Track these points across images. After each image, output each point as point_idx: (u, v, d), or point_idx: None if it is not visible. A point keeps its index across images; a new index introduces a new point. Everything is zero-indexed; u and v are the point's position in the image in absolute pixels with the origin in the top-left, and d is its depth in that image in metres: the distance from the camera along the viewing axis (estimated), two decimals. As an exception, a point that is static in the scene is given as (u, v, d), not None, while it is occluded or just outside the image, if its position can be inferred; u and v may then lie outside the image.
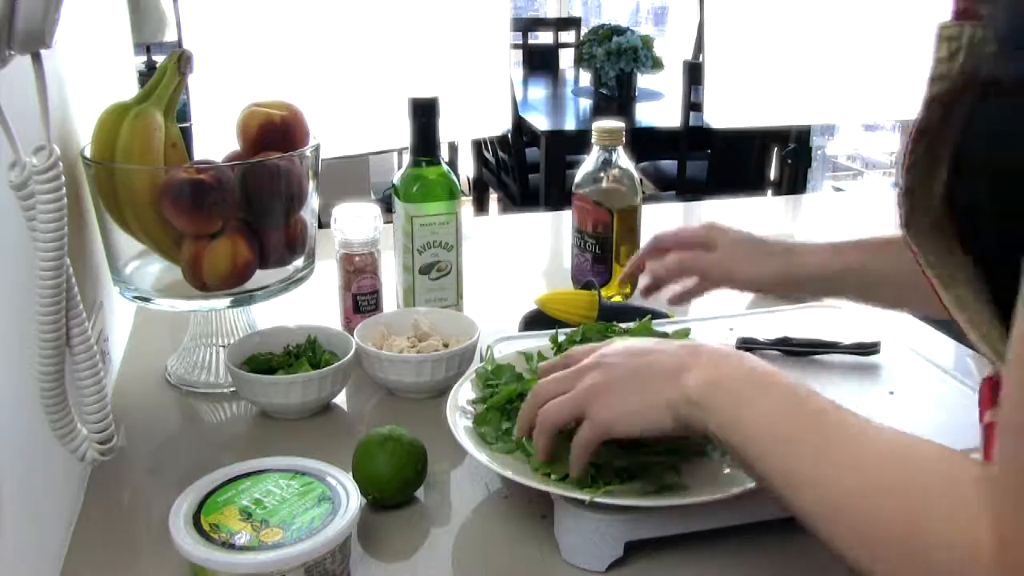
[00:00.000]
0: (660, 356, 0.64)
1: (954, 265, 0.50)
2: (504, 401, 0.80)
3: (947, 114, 0.48)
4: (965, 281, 0.50)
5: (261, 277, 0.94)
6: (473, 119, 1.57)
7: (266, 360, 0.94)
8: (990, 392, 0.53)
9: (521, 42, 4.29)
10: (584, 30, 4.10)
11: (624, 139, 1.14)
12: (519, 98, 3.66)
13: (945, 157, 0.50)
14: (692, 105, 3.04)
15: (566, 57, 4.38)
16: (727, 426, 0.58)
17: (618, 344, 0.69)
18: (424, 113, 1.02)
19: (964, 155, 0.48)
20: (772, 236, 0.92)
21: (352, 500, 0.68)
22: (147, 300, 0.93)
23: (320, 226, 1.02)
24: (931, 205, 0.51)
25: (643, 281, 1.06)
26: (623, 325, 0.89)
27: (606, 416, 0.64)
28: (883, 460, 0.50)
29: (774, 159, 3.28)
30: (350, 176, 3.39)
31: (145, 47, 2.73)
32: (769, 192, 3.30)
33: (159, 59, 1.46)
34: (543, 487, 0.70)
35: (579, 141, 2.92)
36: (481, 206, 4.05)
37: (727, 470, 0.73)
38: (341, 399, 0.96)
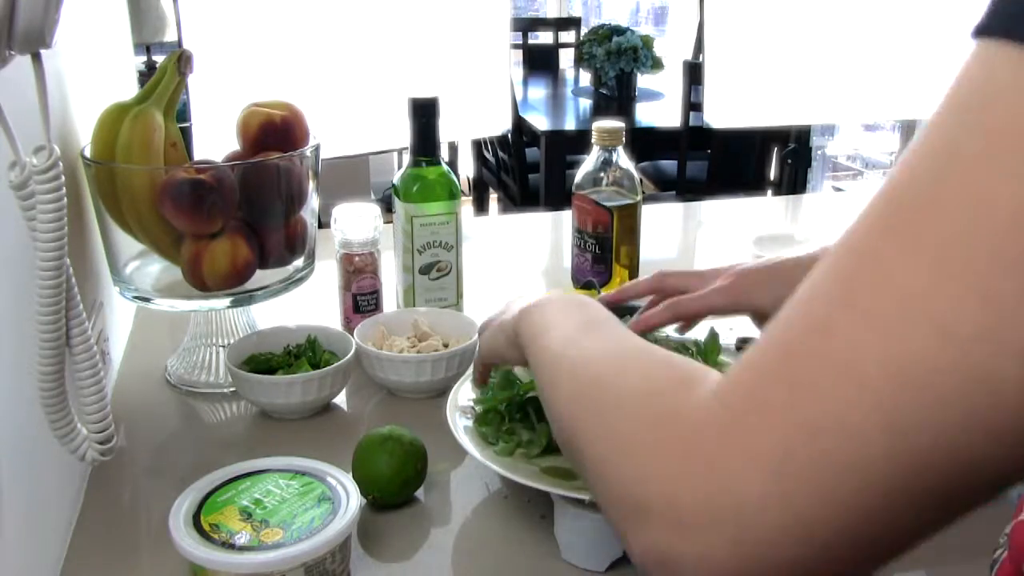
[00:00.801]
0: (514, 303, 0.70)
1: None
2: (498, 404, 0.80)
3: None
4: None
5: (261, 277, 0.94)
6: (473, 119, 1.57)
7: (266, 360, 0.94)
8: None
9: (521, 42, 4.29)
10: (584, 30, 4.10)
11: (624, 139, 1.14)
12: (519, 98, 3.66)
13: None
14: (692, 105, 3.04)
15: (566, 57, 4.38)
16: (527, 345, 0.62)
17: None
18: (424, 113, 1.02)
19: None
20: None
21: (352, 500, 0.68)
22: (147, 300, 0.93)
23: (320, 226, 1.02)
24: None
25: None
26: None
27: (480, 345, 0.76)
28: (628, 352, 0.50)
29: (774, 159, 3.28)
30: (350, 176, 3.39)
31: (145, 47, 2.73)
32: (769, 192, 3.30)
33: (159, 59, 1.46)
34: (543, 487, 0.70)
35: (579, 141, 2.92)
36: (481, 206, 4.05)
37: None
38: (341, 399, 0.96)
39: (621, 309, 1.04)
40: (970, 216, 0.30)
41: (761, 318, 0.84)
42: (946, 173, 0.32)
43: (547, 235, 1.58)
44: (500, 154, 3.55)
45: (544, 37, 4.44)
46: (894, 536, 0.34)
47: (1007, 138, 0.30)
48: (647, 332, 0.84)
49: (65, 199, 0.58)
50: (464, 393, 0.84)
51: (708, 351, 0.84)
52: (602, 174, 1.15)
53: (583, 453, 0.46)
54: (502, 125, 1.62)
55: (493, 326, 0.73)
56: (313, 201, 0.98)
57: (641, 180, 1.21)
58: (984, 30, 0.32)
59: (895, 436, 0.32)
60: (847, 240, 0.35)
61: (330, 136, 1.08)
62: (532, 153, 3.41)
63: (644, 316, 0.84)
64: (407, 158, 1.05)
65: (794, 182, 2.51)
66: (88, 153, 0.89)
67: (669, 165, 3.44)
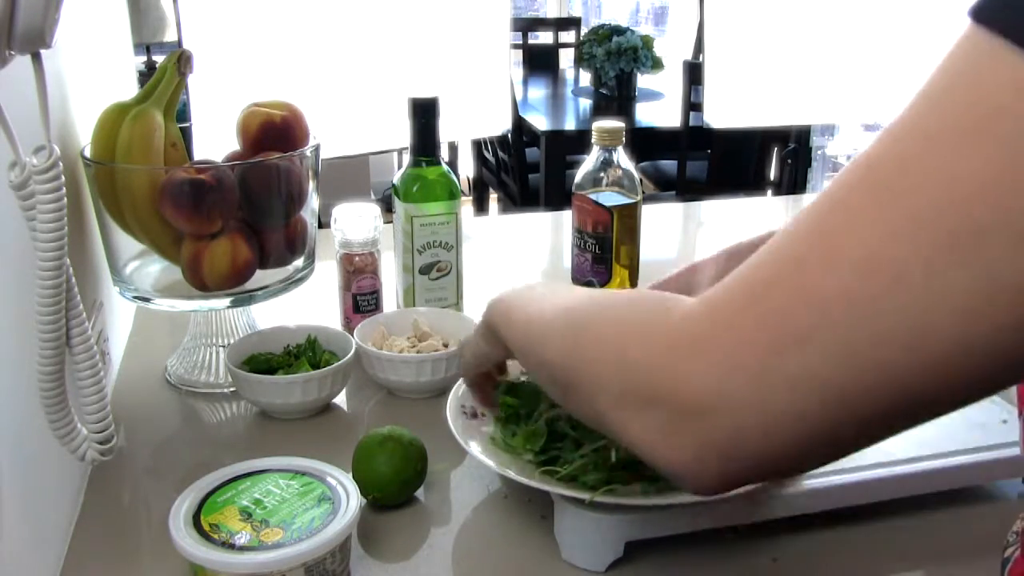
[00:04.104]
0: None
1: None
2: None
3: None
4: None
5: (261, 277, 0.94)
6: (473, 119, 1.57)
7: (266, 360, 0.94)
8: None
9: (521, 42, 4.29)
10: (584, 30, 4.10)
11: (624, 139, 1.14)
12: (519, 98, 3.66)
13: None
14: (692, 105, 3.05)
15: (566, 57, 4.38)
16: (502, 328, 0.65)
17: None
18: (424, 113, 1.02)
19: None
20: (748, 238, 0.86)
21: (352, 500, 0.68)
22: (147, 300, 0.93)
23: (320, 226, 1.02)
24: None
25: None
26: None
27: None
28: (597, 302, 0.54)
29: (774, 159, 3.28)
30: (350, 176, 3.39)
31: (145, 47, 2.73)
32: (769, 192, 3.30)
33: (159, 59, 1.46)
34: (543, 487, 0.70)
35: (579, 141, 2.92)
36: (481, 206, 4.05)
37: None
38: (341, 399, 0.96)
39: None
40: (931, 193, 0.35)
41: None
42: (919, 149, 0.36)
43: (547, 235, 1.58)
44: (500, 154, 3.55)
45: (544, 37, 4.44)
46: (846, 442, 0.41)
47: (975, 124, 0.34)
48: None
49: (65, 199, 0.58)
50: (464, 393, 0.84)
51: None
52: (602, 174, 1.15)
53: (579, 381, 0.50)
54: (502, 125, 1.62)
55: (465, 340, 0.74)
56: (313, 201, 0.98)
57: (641, 180, 1.21)
58: (978, 14, 0.35)
59: (847, 363, 0.37)
60: (831, 191, 0.39)
61: (330, 136, 1.08)
62: (532, 153, 3.41)
63: None
64: (407, 158, 1.05)
65: (794, 182, 2.51)
66: (88, 153, 0.89)
67: (669, 165, 3.44)
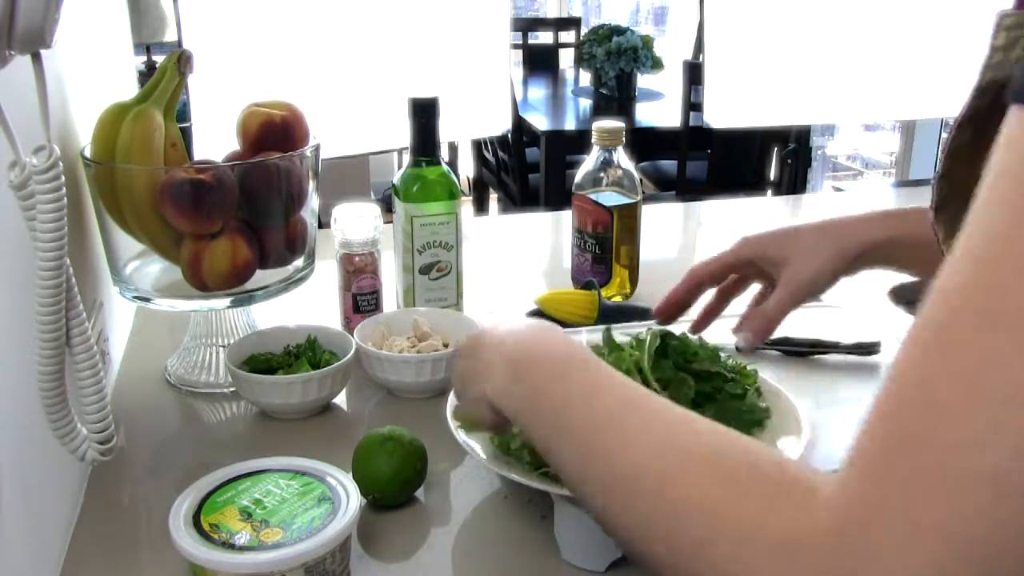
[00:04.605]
0: (485, 351, 0.64)
1: None
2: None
3: (996, 102, 0.47)
4: None
5: (261, 277, 0.94)
6: (473, 119, 1.57)
7: (266, 360, 0.94)
8: None
9: (521, 42, 4.29)
10: (584, 30, 4.10)
11: (624, 139, 1.14)
12: (519, 98, 3.65)
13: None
14: (692, 105, 3.04)
15: (566, 57, 4.38)
16: (522, 414, 0.58)
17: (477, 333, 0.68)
18: (424, 113, 1.02)
19: None
20: (798, 224, 0.85)
21: (352, 500, 0.68)
22: (147, 300, 0.93)
23: (320, 226, 1.02)
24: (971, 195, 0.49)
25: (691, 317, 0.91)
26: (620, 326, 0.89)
27: (460, 409, 0.74)
28: (685, 447, 0.46)
29: (774, 159, 3.28)
30: (350, 176, 3.39)
31: (145, 47, 2.73)
32: (769, 192, 3.30)
33: (159, 59, 1.47)
34: (543, 487, 0.70)
35: (579, 141, 2.92)
36: (481, 206, 4.05)
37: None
38: (341, 399, 0.96)
39: (631, 312, 1.06)
40: None
41: (770, 273, 0.86)
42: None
43: (547, 235, 1.58)
44: (500, 154, 3.55)
45: (544, 37, 4.43)
46: None
47: None
48: (673, 308, 0.87)
49: (65, 199, 0.58)
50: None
51: (641, 347, 0.78)
52: (602, 174, 1.15)
53: (670, 565, 0.43)
54: (502, 125, 1.62)
55: (474, 386, 0.64)
56: (313, 201, 0.98)
57: (641, 180, 1.21)
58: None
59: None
60: (949, 334, 0.34)
61: (330, 136, 1.08)
62: (532, 153, 3.41)
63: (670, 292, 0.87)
64: (407, 158, 1.05)
65: (794, 182, 2.51)
66: (88, 153, 0.89)
67: (669, 165, 3.43)
